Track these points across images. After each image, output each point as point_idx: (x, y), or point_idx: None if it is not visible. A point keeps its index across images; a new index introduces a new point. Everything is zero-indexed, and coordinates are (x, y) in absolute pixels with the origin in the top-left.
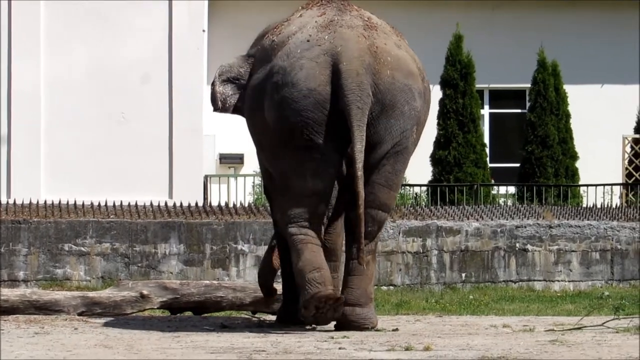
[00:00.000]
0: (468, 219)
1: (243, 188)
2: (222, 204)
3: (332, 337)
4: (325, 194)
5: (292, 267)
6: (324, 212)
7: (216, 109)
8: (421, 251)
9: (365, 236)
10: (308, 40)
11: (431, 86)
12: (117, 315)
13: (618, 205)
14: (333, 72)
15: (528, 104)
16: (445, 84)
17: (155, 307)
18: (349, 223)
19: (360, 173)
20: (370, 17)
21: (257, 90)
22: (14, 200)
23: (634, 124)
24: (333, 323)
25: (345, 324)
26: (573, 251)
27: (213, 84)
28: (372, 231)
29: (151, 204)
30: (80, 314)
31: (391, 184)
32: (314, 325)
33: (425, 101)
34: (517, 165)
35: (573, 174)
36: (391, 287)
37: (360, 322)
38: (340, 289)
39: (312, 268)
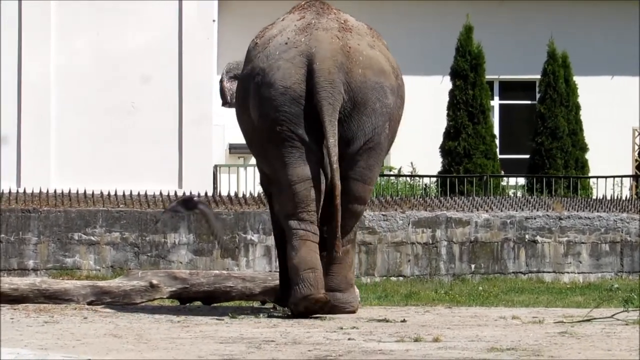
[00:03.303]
0: (477, 210)
1: (253, 178)
2: (232, 194)
3: (341, 328)
4: (314, 179)
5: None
6: (318, 198)
7: (224, 103)
8: (430, 242)
9: (343, 227)
10: (286, 43)
11: (441, 77)
12: (127, 305)
13: (628, 197)
14: (308, 71)
15: (538, 96)
16: (455, 75)
17: (165, 296)
18: (327, 213)
19: (336, 166)
20: (347, 20)
21: (242, 90)
22: (24, 190)
23: None
24: None
25: (328, 308)
26: (583, 243)
27: (221, 80)
28: (350, 223)
29: (161, 193)
30: (89, 303)
31: (365, 178)
32: (322, 316)
33: (398, 97)
34: (527, 156)
35: (583, 166)
36: (400, 278)
37: (341, 306)
38: None
39: (307, 267)
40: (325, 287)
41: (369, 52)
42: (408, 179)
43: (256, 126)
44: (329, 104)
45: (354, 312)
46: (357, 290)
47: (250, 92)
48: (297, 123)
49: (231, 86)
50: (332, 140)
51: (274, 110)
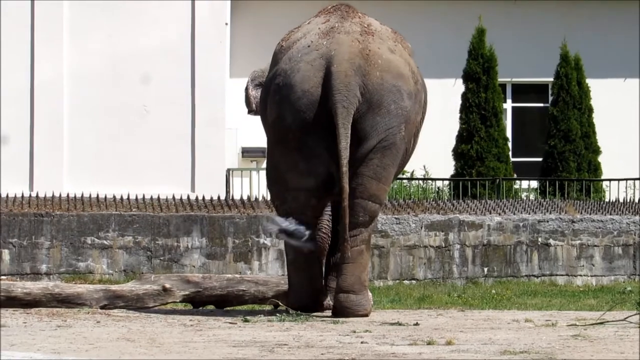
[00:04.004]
0: (490, 213)
1: (265, 182)
2: (245, 197)
3: (354, 331)
4: (316, 190)
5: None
6: (318, 206)
7: (250, 111)
8: (443, 245)
9: (357, 225)
10: (309, 46)
11: (454, 80)
12: (140, 309)
13: None
14: (325, 74)
15: (551, 98)
16: (467, 77)
17: (178, 300)
18: (339, 214)
19: (345, 169)
20: (371, 24)
21: (264, 91)
22: (37, 193)
23: None
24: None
25: (340, 310)
26: (595, 246)
27: (246, 88)
28: (364, 221)
29: (173, 197)
30: (102, 307)
31: (380, 176)
32: (335, 320)
33: (416, 101)
34: (540, 159)
35: (595, 169)
36: (413, 281)
37: (354, 309)
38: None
39: (309, 285)
40: (338, 288)
41: (388, 56)
42: (421, 182)
43: (270, 124)
44: (344, 107)
45: (366, 315)
46: (370, 294)
47: (270, 92)
48: (311, 131)
49: (256, 94)
50: (344, 144)
51: (290, 115)
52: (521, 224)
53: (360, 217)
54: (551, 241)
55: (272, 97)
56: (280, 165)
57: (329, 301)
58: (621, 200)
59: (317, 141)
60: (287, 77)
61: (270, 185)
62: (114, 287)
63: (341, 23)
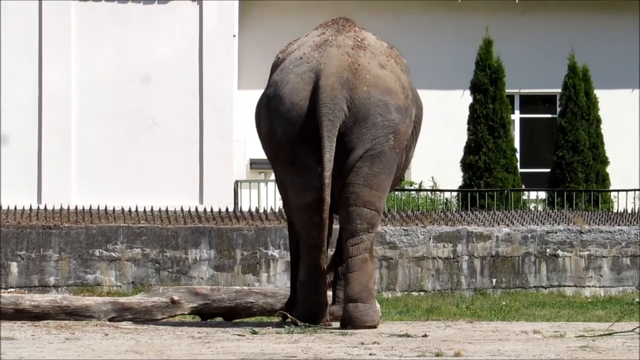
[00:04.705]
0: (498, 224)
1: (273, 194)
2: (253, 209)
3: (363, 343)
4: (316, 206)
5: (298, 261)
6: (322, 222)
7: None
8: (452, 257)
9: (356, 233)
10: (301, 58)
11: (461, 91)
12: (148, 321)
13: None
14: (314, 87)
15: (559, 109)
16: (475, 88)
17: (186, 312)
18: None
19: (327, 181)
20: (365, 38)
21: (258, 104)
22: (45, 206)
23: None
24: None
25: (348, 321)
26: (604, 257)
27: None
28: (362, 228)
29: (182, 209)
30: (111, 320)
31: (371, 183)
32: (344, 332)
33: (406, 116)
34: (548, 170)
35: (604, 179)
36: (422, 293)
37: (362, 319)
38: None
39: (313, 299)
40: (346, 297)
41: (377, 71)
42: (429, 193)
43: (264, 137)
44: (329, 120)
45: (374, 327)
46: (378, 305)
47: (263, 104)
48: (301, 145)
49: None
50: (328, 156)
51: (280, 128)
52: (529, 235)
53: (358, 225)
54: (559, 252)
55: (265, 109)
56: (279, 178)
57: (339, 311)
58: (629, 211)
59: (309, 154)
60: (277, 88)
61: (283, 206)
62: (122, 300)
63: (335, 36)
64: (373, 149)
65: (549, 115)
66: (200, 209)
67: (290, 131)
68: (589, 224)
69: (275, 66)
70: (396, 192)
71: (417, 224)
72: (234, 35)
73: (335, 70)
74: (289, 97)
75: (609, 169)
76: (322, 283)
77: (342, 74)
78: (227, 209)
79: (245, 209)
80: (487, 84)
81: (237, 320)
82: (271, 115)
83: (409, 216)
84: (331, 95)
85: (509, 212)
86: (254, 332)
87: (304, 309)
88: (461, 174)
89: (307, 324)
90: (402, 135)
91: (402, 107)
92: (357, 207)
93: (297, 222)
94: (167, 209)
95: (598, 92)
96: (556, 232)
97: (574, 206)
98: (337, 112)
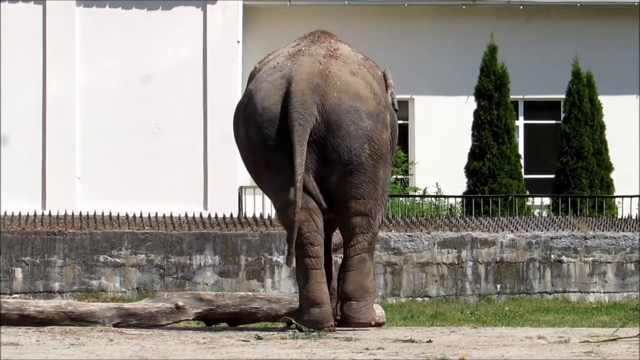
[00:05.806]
0: (503, 230)
1: None
2: (257, 215)
3: (367, 349)
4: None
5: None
6: (311, 221)
7: None
8: (456, 262)
9: (352, 237)
10: (274, 67)
11: (466, 97)
12: (153, 327)
13: None
14: (285, 93)
15: (563, 115)
16: (479, 95)
17: (191, 318)
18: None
19: (299, 185)
20: (338, 49)
21: (235, 113)
22: (49, 212)
23: None
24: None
25: (343, 319)
26: (608, 262)
27: None
28: (358, 231)
29: (186, 215)
30: (115, 325)
31: (356, 195)
32: (348, 337)
33: (378, 121)
34: (552, 176)
35: (608, 185)
36: (426, 299)
37: (355, 317)
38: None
39: (315, 303)
40: (341, 295)
41: (347, 78)
42: (433, 199)
43: (246, 147)
44: (300, 124)
45: (368, 324)
46: (380, 309)
47: (239, 113)
48: (275, 147)
49: None
50: (299, 160)
51: (255, 132)
52: (534, 241)
53: (353, 230)
54: (564, 258)
55: (241, 117)
56: (262, 184)
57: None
58: (634, 216)
59: (283, 158)
60: (251, 96)
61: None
62: (126, 305)
63: (308, 47)
64: (350, 163)
65: (553, 121)
66: (205, 215)
67: (263, 134)
68: (593, 230)
69: (252, 76)
70: (400, 198)
71: (421, 230)
72: (238, 42)
73: (306, 77)
74: (261, 102)
75: (613, 175)
76: (323, 286)
77: (313, 79)
78: (231, 215)
79: (249, 214)
80: (491, 90)
81: (241, 326)
82: (247, 122)
83: (414, 222)
84: (301, 100)
85: (513, 218)
86: (259, 338)
87: (308, 314)
88: (465, 180)
89: (311, 329)
90: (377, 142)
91: (374, 113)
92: (348, 219)
93: (282, 223)
94: (171, 214)
95: (602, 98)
96: (560, 238)
97: (578, 212)
98: (308, 117)
